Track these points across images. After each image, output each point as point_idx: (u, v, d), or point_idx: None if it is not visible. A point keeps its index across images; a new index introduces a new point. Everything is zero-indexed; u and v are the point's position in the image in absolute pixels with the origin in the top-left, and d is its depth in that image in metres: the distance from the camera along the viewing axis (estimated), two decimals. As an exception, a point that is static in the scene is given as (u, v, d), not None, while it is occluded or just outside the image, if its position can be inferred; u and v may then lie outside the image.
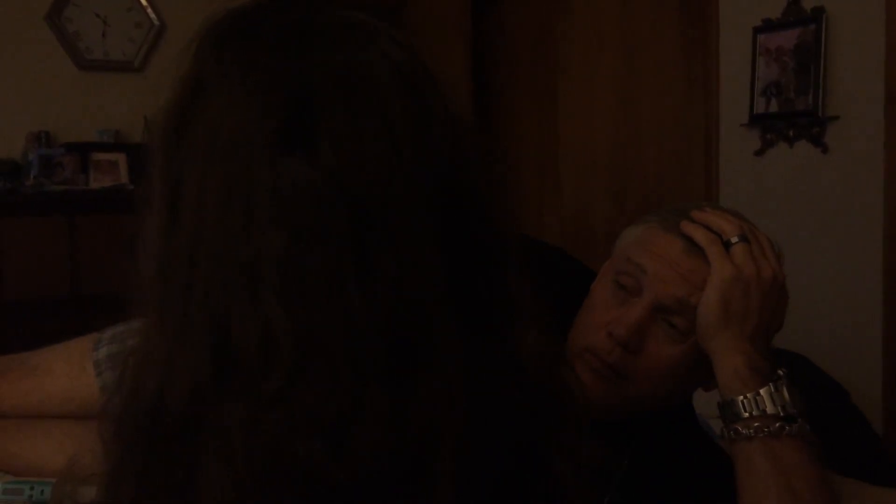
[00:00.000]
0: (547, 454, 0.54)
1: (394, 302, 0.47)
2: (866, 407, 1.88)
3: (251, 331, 0.46)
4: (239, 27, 0.52)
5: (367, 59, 0.50)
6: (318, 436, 0.45)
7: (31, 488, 0.79)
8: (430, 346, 0.48)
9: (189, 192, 0.49)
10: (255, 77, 0.49)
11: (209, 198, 0.48)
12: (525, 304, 0.53)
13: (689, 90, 2.67)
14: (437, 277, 0.48)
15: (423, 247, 0.48)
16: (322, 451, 0.45)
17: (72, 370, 0.82)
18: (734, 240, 0.79)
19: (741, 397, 0.75)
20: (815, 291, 2.12)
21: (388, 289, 0.47)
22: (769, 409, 0.74)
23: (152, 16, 3.36)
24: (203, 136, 0.49)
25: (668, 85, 2.77)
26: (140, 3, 3.35)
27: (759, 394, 0.75)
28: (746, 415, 0.75)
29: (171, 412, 0.47)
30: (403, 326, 0.47)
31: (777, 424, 0.74)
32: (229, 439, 0.45)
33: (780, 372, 0.77)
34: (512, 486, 0.52)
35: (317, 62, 0.49)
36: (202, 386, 0.47)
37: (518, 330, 0.53)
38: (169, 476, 0.47)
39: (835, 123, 2.13)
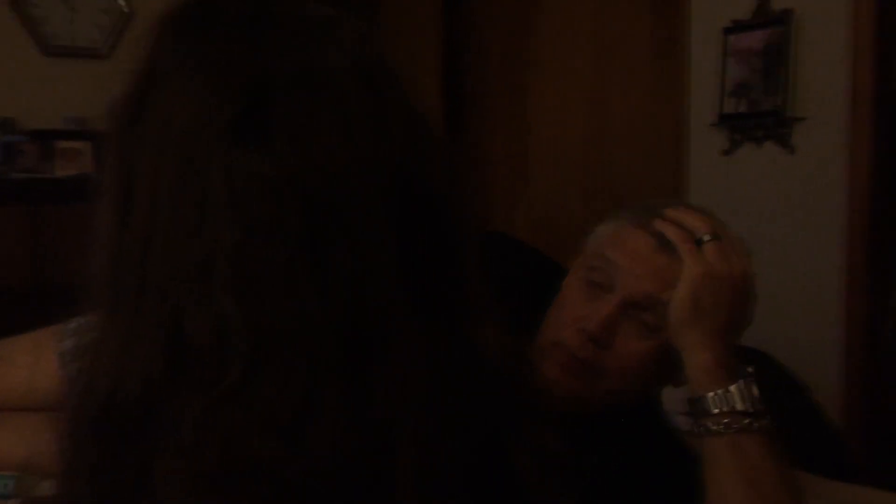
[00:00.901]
0: (511, 448, 0.54)
1: (349, 297, 0.47)
2: (826, 403, 1.91)
3: (204, 326, 0.46)
4: (197, 16, 0.51)
5: (326, 51, 0.50)
6: (274, 432, 0.45)
7: (-6, 481, 0.78)
8: (387, 341, 0.48)
9: (142, 184, 0.49)
10: (211, 68, 0.49)
11: (162, 190, 0.48)
12: (485, 300, 0.53)
13: (659, 89, 2.70)
14: (393, 273, 0.48)
15: (380, 242, 0.48)
16: (278, 447, 0.45)
17: (36, 361, 0.81)
18: (706, 238, 0.80)
19: (711, 393, 0.76)
20: (778, 289, 2.15)
21: (344, 284, 0.47)
22: (738, 405, 0.76)
23: (121, 3, 3.30)
24: (157, 126, 0.49)
25: (639, 83, 2.79)
26: (107, -11, 3.29)
27: (728, 390, 0.76)
28: (716, 411, 0.76)
29: (123, 407, 0.47)
30: (359, 322, 0.47)
31: (745, 421, 0.75)
32: (183, 435, 0.45)
33: (749, 370, 0.79)
34: (475, 479, 0.52)
35: (274, 54, 0.49)
36: (154, 381, 0.46)
37: (478, 325, 0.53)
38: (122, 472, 0.46)
39: (801, 124, 2.16)
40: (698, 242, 0.81)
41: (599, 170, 2.96)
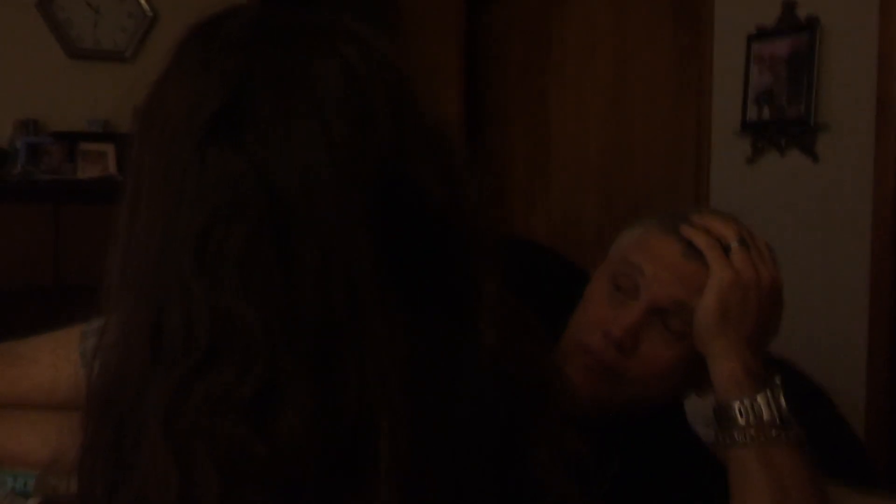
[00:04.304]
0: (526, 448, 0.55)
1: (316, 288, 0.49)
2: (849, 413, 1.89)
3: (174, 310, 0.48)
4: (208, 26, 0.55)
5: (314, 57, 0.52)
6: (240, 414, 0.47)
7: (14, 479, 0.78)
8: (361, 333, 0.49)
9: (144, 181, 0.52)
10: (203, 70, 0.52)
11: (152, 184, 0.51)
12: (492, 297, 0.55)
13: (681, 96, 2.68)
14: (369, 269, 0.50)
15: (353, 240, 0.50)
16: (245, 429, 0.47)
17: (58, 360, 0.82)
18: (734, 244, 0.79)
19: (738, 402, 0.75)
20: (802, 298, 2.13)
21: (311, 275, 0.49)
22: (765, 414, 0.74)
23: (145, 6, 3.33)
24: (157, 126, 0.52)
25: (661, 90, 2.78)
26: (131, -6, 3.33)
27: (755, 399, 0.75)
28: (742, 420, 0.75)
29: (122, 394, 0.50)
30: (327, 314, 0.49)
31: (773, 431, 0.74)
32: (163, 411, 0.47)
33: (777, 379, 0.77)
34: (485, 473, 0.53)
35: (260, 58, 0.52)
36: (142, 362, 0.49)
37: (483, 323, 0.54)
38: (119, 455, 0.49)
39: (826, 132, 2.14)
40: (726, 249, 0.80)
41: (620, 176, 2.94)
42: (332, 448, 0.48)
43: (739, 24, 2.33)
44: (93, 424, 0.51)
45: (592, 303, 0.86)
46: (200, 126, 0.50)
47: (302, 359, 0.48)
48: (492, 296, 0.55)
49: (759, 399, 0.75)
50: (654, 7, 2.81)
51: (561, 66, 3.19)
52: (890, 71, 1.98)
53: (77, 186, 3.05)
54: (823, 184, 2.16)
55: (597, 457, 0.60)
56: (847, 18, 2.09)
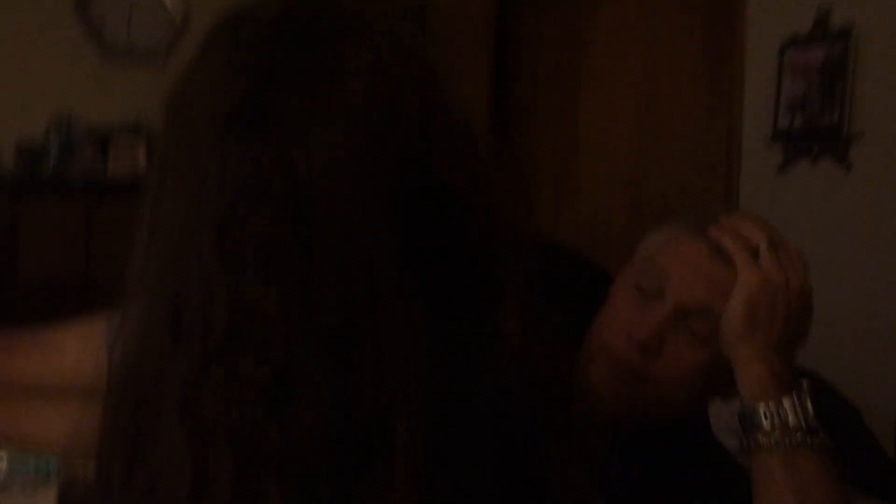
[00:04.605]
0: (545, 444, 0.54)
1: (336, 279, 0.48)
2: (880, 430, 1.85)
3: (194, 294, 0.49)
4: (238, 15, 0.55)
5: (344, 48, 0.52)
6: (256, 400, 0.47)
7: (38, 460, 0.79)
8: (380, 325, 0.49)
9: (169, 166, 0.53)
10: (232, 58, 0.52)
11: (176, 170, 0.52)
12: (515, 296, 0.54)
13: (712, 103, 2.66)
14: (390, 261, 0.49)
15: (374, 231, 0.49)
16: (261, 415, 0.47)
17: (83, 347, 0.82)
18: (763, 247, 0.78)
19: (763, 406, 0.74)
20: (833, 311, 2.09)
21: (331, 266, 0.48)
22: (791, 419, 0.73)
23: (177, 8, 3.37)
24: (184, 112, 0.53)
25: (692, 97, 2.75)
26: (165, -4, 3.37)
27: (781, 403, 0.74)
28: (767, 424, 0.73)
29: (141, 377, 0.50)
30: (347, 305, 0.48)
31: (799, 437, 0.73)
32: (179, 394, 0.48)
33: (804, 383, 0.76)
34: (502, 471, 0.52)
35: (289, 47, 0.52)
36: (161, 345, 0.49)
37: (505, 319, 0.54)
38: (136, 438, 0.50)
39: (859, 141, 2.11)
40: (755, 252, 0.78)
41: (648, 182, 2.92)
42: (347, 438, 0.48)
43: (772, 31, 2.30)
44: (112, 407, 0.52)
45: (617, 304, 0.85)
46: (226, 112, 0.50)
47: (319, 348, 0.48)
48: (514, 293, 0.55)
49: (786, 403, 0.73)
50: (685, 13, 2.79)
51: (591, 71, 3.18)
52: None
53: (108, 183, 3.09)
54: (856, 194, 2.13)
55: (619, 460, 0.59)
56: (882, 26, 2.06)
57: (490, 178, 0.56)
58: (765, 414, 0.74)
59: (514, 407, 0.54)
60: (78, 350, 0.83)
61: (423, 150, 0.52)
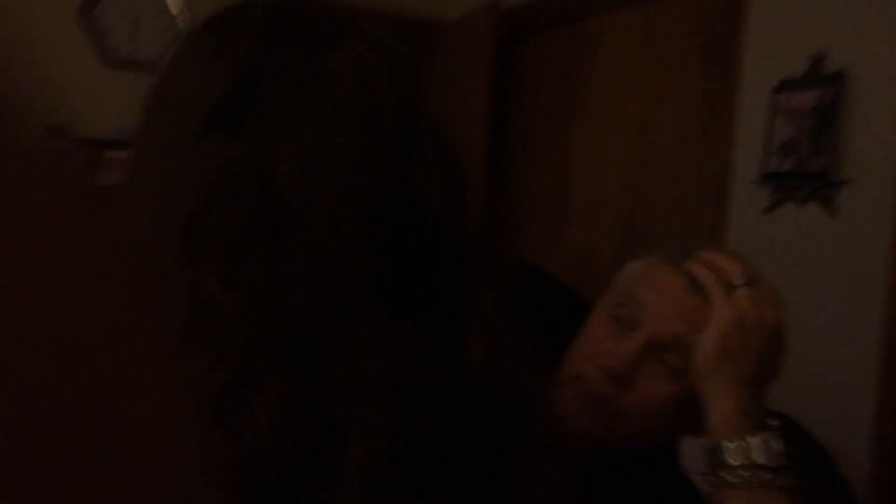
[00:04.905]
0: (506, 465, 0.53)
1: (303, 287, 0.47)
2: (854, 476, 1.85)
3: (156, 290, 0.47)
4: (223, 15, 0.55)
5: (328, 53, 0.52)
6: (206, 405, 0.45)
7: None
8: (343, 336, 0.48)
9: (144, 161, 0.52)
10: (214, 58, 0.52)
11: (150, 165, 0.51)
12: (485, 313, 0.53)
13: (705, 142, 2.68)
14: (357, 269, 0.48)
15: (345, 241, 0.48)
16: (211, 422, 0.45)
17: None
18: (738, 283, 0.78)
19: (729, 443, 0.74)
20: (811, 354, 2.10)
21: (298, 270, 0.47)
22: (756, 457, 0.73)
23: (180, 17, 3.40)
24: (163, 108, 0.53)
25: (686, 134, 2.78)
26: (169, 5, 3.40)
27: (748, 441, 0.73)
28: (734, 462, 0.73)
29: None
30: (311, 314, 0.47)
31: (763, 475, 0.73)
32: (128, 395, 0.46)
33: (774, 423, 0.76)
34: (460, 491, 0.51)
35: (271, 49, 0.51)
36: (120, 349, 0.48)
37: (473, 338, 0.53)
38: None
39: (846, 187, 2.13)
40: (730, 287, 0.79)
41: (638, 218, 2.94)
42: (298, 452, 0.46)
43: (766, 73, 2.33)
44: None
45: (592, 333, 0.86)
46: (203, 111, 0.50)
47: (278, 356, 0.47)
48: (484, 311, 0.54)
49: (752, 441, 0.73)
50: (683, 53, 2.82)
51: (587, 105, 3.20)
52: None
53: (98, 192, 3.08)
54: (840, 239, 2.14)
55: (584, 488, 0.59)
56: (874, 73, 2.08)
57: (469, 194, 0.56)
58: (730, 450, 0.74)
59: (475, 428, 0.53)
60: None
61: (400, 162, 0.51)
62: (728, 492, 0.74)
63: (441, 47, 3.53)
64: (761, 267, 0.84)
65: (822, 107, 2.17)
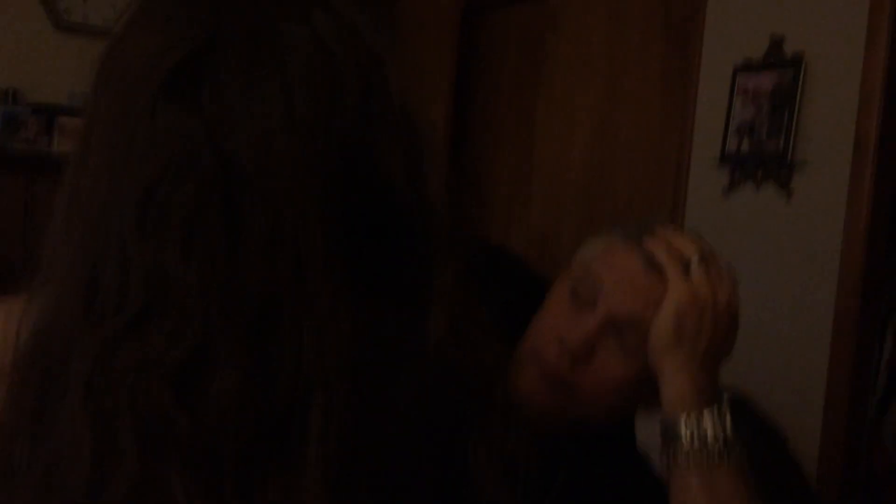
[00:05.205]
0: (464, 441, 0.54)
1: (262, 259, 0.47)
2: (804, 453, 1.90)
3: (111, 265, 0.47)
4: None
5: (286, 25, 0.50)
6: (166, 381, 0.45)
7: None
8: (302, 307, 0.47)
9: (96, 131, 0.50)
10: (168, 23, 0.50)
11: (103, 135, 0.49)
12: (445, 288, 0.53)
13: (666, 121, 2.70)
14: (316, 243, 0.48)
15: (305, 213, 0.48)
16: (169, 397, 0.45)
17: (8, 326, 0.80)
18: (694, 261, 0.79)
19: (684, 417, 0.75)
20: (765, 334, 2.14)
21: (257, 243, 0.47)
22: (710, 433, 0.74)
23: (138, -15, 3.31)
24: (115, 76, 0.51)
25: (648, 113, 2.80)
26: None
27: (702, 416, 0.75)
28: (686, 435, 0.74)
29: (50, 351, 0.48)
30: (270, 285, 0.47)
31: (717, 452, 0.74)
32: (86, 372, 0.45)
33: (724, 397, 0.77)
34: (418, 464, 0.52)
35: (227, 17, 0.50)
36: (73, 320, 0.47)
37: (433, 314, 0.53)
38: (40, 415, 0.47)
39: (803, 168, 2.16)
40: (686, 266, 0.80)
41: (600, 196, 2.96)
42: (258, 423, 0.46)
43: (727, 54, 2.35)
44: (16, 384, 0.49)
45: (550, 311, 0.86)
46: (158, 79, 0.48)
47: (238, 327, 0.46)
48: (445, 287, 0.54)
49: (706, 416, 0.74)
50: (645, 32, 2.83)
51: (551, 83, 3.20)
52: (869, 112, 2.01)
53: (52, 160, 3.01)
54: (796, 220, 2.18)
55: (542, 465, 0.59)
56: (832, 57, 2.11)
57: (429, 169, 0.55)
58: (685, 425, 0.75)
59: (434, 404, 0.53)
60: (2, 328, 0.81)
61: (360, 136, 0.51)
62: (681, 471, 0.75)
63: (403, 18, 3.49)
64: (718, 247, 0.85)
65: (781, 89, 2.19)
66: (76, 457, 0.45)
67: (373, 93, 0.52)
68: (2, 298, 0.82)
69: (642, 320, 0.79)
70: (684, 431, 0.74)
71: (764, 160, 2.23)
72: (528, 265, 1.09)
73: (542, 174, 3.21)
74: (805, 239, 2.15)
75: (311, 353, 0.47)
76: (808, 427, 2.07)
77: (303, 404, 0.47)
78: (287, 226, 0.47)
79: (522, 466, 0.57)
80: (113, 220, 0.47)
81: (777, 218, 2.22)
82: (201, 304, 0.46)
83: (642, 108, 2.82)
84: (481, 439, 0.55)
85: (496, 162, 3.42)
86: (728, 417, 0.76)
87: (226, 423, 0.45)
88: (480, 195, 3.39)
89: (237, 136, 0.47)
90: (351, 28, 0.53)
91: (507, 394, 0.59)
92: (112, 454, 0.44)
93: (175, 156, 0.47)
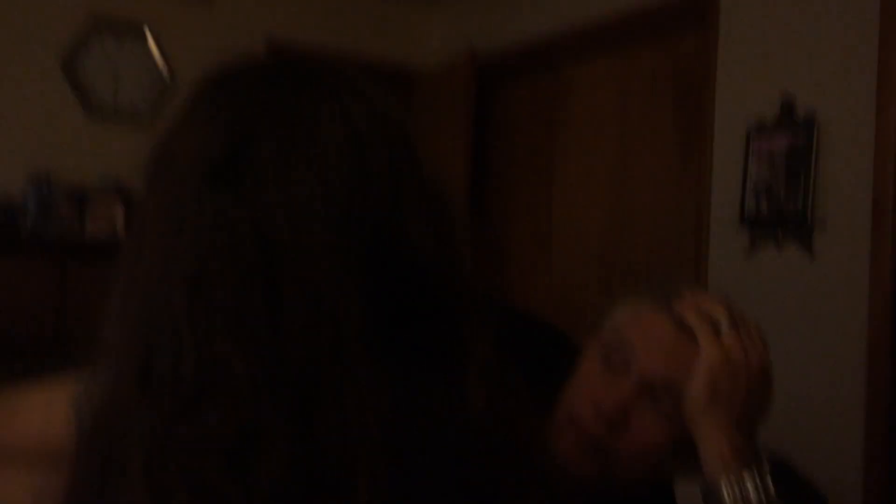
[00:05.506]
0: None
1: (304, 340, 0.49)
2: (844, 513, 1.85)
3: (164, 350, 0.49)
4: (219, 74, 0.57)
5: (320, 110, 0.54)
6: (220, 456, 0.47)
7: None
8: (345, 385, 0.49)
9: (148, 222, 0.53)
10: (211, 118, 0.53)
11: (154, 226, 0.53)
12: (480, 360, 0.55)
13: (681, 183, 2.73)
14: (355, 322, 0.50)
15: (342, 292, 0.50)
16: (223, 471, 0.47)
17: (52, 410, 0.81)
18: (724, 323, 0.80)
19: (724, 480, 0.75)
20: (797, 396, 2.11)
21: (299, 325, 0.49)
22: (752, 494, 0.74)
23: (164, 71, 3.43)
24: (164, 169, 0.54)
25: (662, 176, 2.83)
26: (153, 58, 3.43)
27: (742, 478, 0.75)
28: (729, 499, 0.74)
29: (109, 433, 0.50)
30: (313, 363, 0.49)
31: None
32: (144, 450, 0.48)
33: (764, 460, 0.78)
34: None
35: (265, 107, 0.53)
36: (130, 400, 0.49)
37: (470, 385, 0.54)
38: (102, 496, 0.49)
39: (823, 227, 2.17)
40: (716, 328, 0.81)
41: (619, 257, 2.97)
42: (307, 498, 0.48)
43: (739, 117, 2.38)
44: (78, 464, 0.51)
45: (584, 377, 0.87)
46: (203, 171, 0.51)
47: (285, 407, 0.48)
48: (481, 358, 0.55)
49: (747, 478, 0.75)
50: (655, 98, 2.89)
51: (565, 148, 3.26)
52: (884, 171, 2.02)
53: (84, 243, 3.08)
54: (820, 280, 2.17)
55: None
56: (844, 117, 2.14)
57: (459, 242, 0.57)
58: (727, 488, 0.75)
59: (474, 470, 0.54)
60: (45, 413, 0.82)
61: (393, 213, 0.53)
62: None
63: (421, 94, 3.58)
64: (743, 308, 0.87)
65: (796, 149, 2.22)
66: None
67: (401, 171, 0.55)
68: (42, 383, 0.84)
69: (676, 384, 0.80)
70: (726, 494, 0.75)
71: (784, 220, 2.24)
72: (557, 328, 1.10)
73: (561, 237, 3.24)
74: (831, 297, 2.14)
75: (354, 430, 0.49)
76: (847, 489, 2.03)
77: (349, 478, 0.48)
78: (325, 305, 0.49)
79: None
80: (165, 305, 0.50)
81: (801, 277, 2.21)
82: (250, 386, 0.48)
83: (656, 171, 2.85)
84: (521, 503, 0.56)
85: (515, 226, 3.45)
86: (769, 480, 0.76)
87: (276, 498, 0.47)
88: (501, 257, 3.41)
89: (275, 221, 0.50)
90: (380, 111, 0.56)
91: (546, 463, 0.60)
92: None
93: (220, 243, 0.50)
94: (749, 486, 0.75)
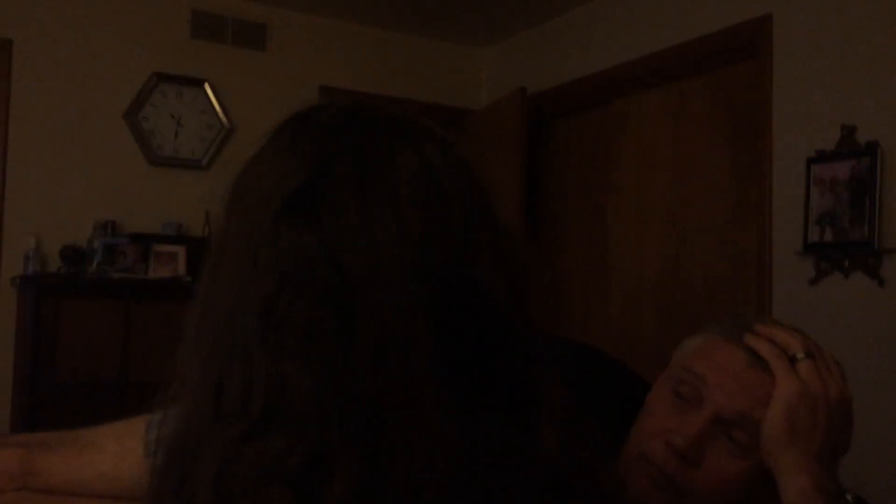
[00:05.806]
0: None
1: (374, 368, 0.49)
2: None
3: (236, 371, 0.50)
4: (302, 113, 0.59)
5: (396, 149, 0.55)
6: (286, 482, 0.47)
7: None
8: (412, 417, 0.49)
9: (226, 247, 0.55)
10: (290, 151, 0.55)
11: (232, 250, 0.54)
12: (553, 402, 0.55)
13: (740, 215, 2.69)
14: (426, 357, 0.50)
15: (413, 325, 0.50)
16: (291, 497, 0.47)
17: (122, 450, 0.83)
18: (800, 355, 0.78)
19: None
20: (871, 428, 2.04)
21: (370, 354, 0.49)
22: None
23: (223, 118, 3.53)
24: (244, 197, 0.56)
25: (719, 209, 2.79)
26: (213, 107, 3.54)
27: None
28: None
29: (183, 456, 0.51)
30: (382, 393, 0.49)
31: None
32: (213, 472, 0.48)
33: (849, 497, 0.75)
34: None
35: (343, 144, 0.55)
36: (203, 422, 0.50)
37: (542, 427, 0.53)
38: None
39: (891, 255, 2.11)
40: (792, 360, 0.79)
41: (678, 294, 2.93)
42: None
43: (799, 146, 2.35)
44: (153, 493, 0.52)
45: (654, 412, 0.85)
46: (280, 201, 0.53)
47: (352, 434, 0.48)
48: (552, 400, 0.55)
49: None
50: (711, 129, 2.86)
51: (619, 184, 3.24)
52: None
53: (148, 285, 3.16)
54: (890, 306, 2.11)
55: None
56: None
57: (528, 284, 0.58)
58: None
59: None
60: (116, 453, 0.84)
61: (465, 253, 0.54)
62: None
63: (473, 131, 3.62)
64: (812, 337, 0.85)
65: (858, 176, 2.18)
66: None
67: (474, 212, 0.56)
68: (113, 422, 0.86)
69: (751, 417, 0.78)
70: None
71: (850, 249, 2.19)
72: (624, 365, 1.09)
73: (618, 270, 3.20)
74: (902, 326, 2.08)
75: (420, 463, 0.49)
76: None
77: None
78: (396, 338, 0.50)
79: None
80: (238, 329, 0.51)
81: (869, 305, 2.15)
82: (318, 411, 0.48)
83: (713, 202, 2.82)
84: None
85: (570, 260, 3.43)
86: (853, 516, 0.73)
87: None
88: (558, 294, 3.39)
89: (350, 255, 0.51)
90: (456, 156, 0.58)
91: (621, 499, 0.59)
92: None
93: (293, 270, 0.51)
94: (834, 523, 0.72)
